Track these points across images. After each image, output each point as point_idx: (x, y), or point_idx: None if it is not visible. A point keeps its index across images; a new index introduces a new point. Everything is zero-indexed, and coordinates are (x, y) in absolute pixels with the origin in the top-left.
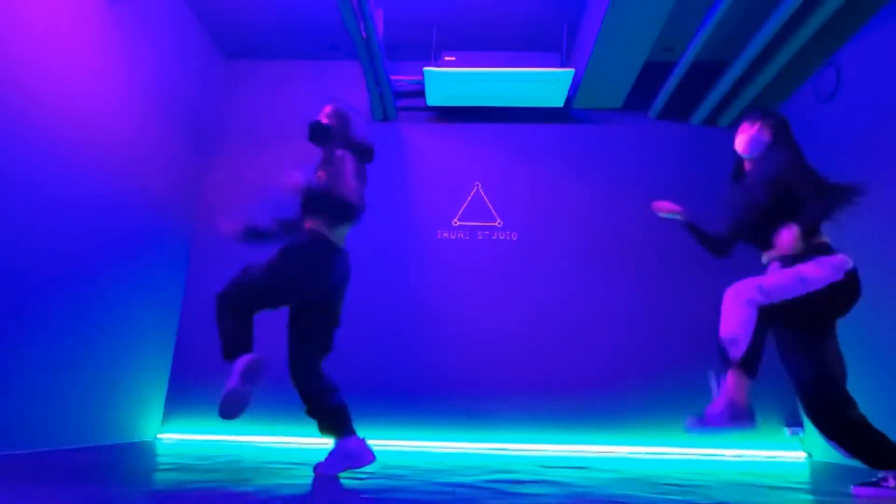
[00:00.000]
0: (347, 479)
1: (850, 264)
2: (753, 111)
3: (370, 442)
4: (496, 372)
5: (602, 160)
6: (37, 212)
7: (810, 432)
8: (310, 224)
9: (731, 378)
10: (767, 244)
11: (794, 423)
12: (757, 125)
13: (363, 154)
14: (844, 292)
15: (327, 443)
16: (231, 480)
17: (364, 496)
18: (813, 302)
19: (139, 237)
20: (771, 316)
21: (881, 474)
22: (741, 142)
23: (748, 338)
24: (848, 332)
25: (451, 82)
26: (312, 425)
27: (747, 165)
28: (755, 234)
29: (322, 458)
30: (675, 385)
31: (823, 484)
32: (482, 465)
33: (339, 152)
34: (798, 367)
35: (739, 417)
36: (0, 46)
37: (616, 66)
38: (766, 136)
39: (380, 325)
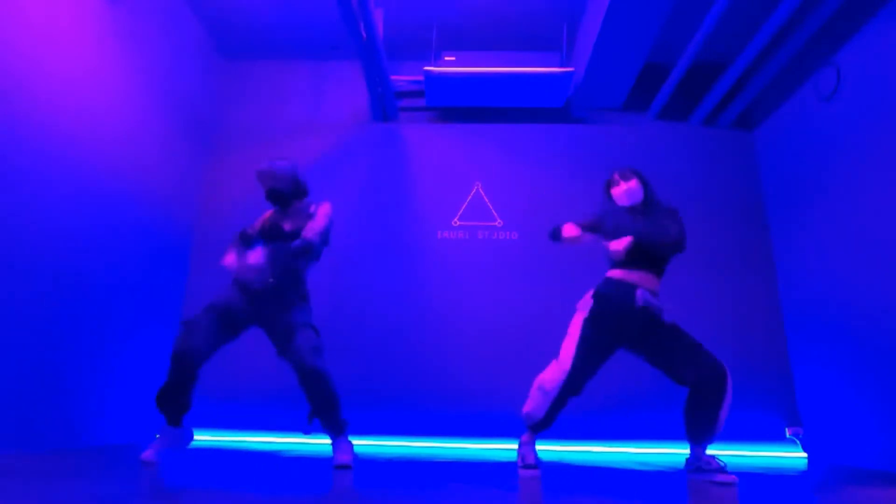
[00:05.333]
0: (346, 479)
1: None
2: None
3: (370, 441)
4: (497, 371)
5: (602, 160)
6: (36, 211)
7: (810, 432)
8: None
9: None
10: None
11: (794, 423)
12: (634, 180)
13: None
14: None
15: (326, 442)
16: (231, 480)
17: (364, 496)
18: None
19: (139, 237)
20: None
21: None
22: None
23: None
24: (850, 330)
25: (451, 82)
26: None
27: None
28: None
29: (310, 459)
30: (678, 384)
31: (823, 484)
32: (482, 465)
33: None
34: (683, 372)
35: None
36: None
37: (616, 66)
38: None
39: (380, 324)
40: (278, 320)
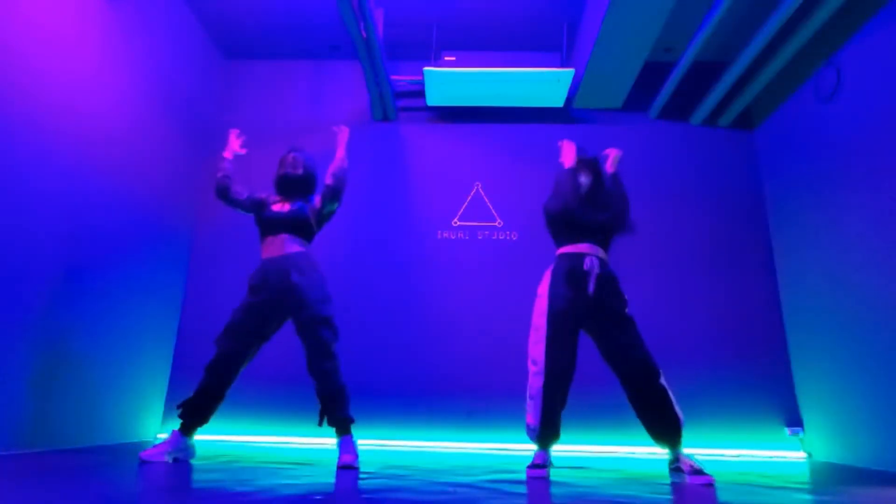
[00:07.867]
0: (347, 479)
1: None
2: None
3: (370, 441)
4: (496, 371)
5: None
6: (36, 211)
7: (810, 432)
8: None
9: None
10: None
11: (794, 423)
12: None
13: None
14: (558, 287)
15: (328, 442)
16: (231, 480)
17: (364, 496)
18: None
19: (139, 237)
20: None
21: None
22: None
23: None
24: (850, 331)
25: (451, 82)
26: (312, 426)
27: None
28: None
29: (319, 457)
30: (677, 384)
31: (823, 484)
32: (482, 465)
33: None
34: (616, 363)
35: None
36: None
37: (616, 66)
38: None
39: (380, 324)
40: (301, 312)
